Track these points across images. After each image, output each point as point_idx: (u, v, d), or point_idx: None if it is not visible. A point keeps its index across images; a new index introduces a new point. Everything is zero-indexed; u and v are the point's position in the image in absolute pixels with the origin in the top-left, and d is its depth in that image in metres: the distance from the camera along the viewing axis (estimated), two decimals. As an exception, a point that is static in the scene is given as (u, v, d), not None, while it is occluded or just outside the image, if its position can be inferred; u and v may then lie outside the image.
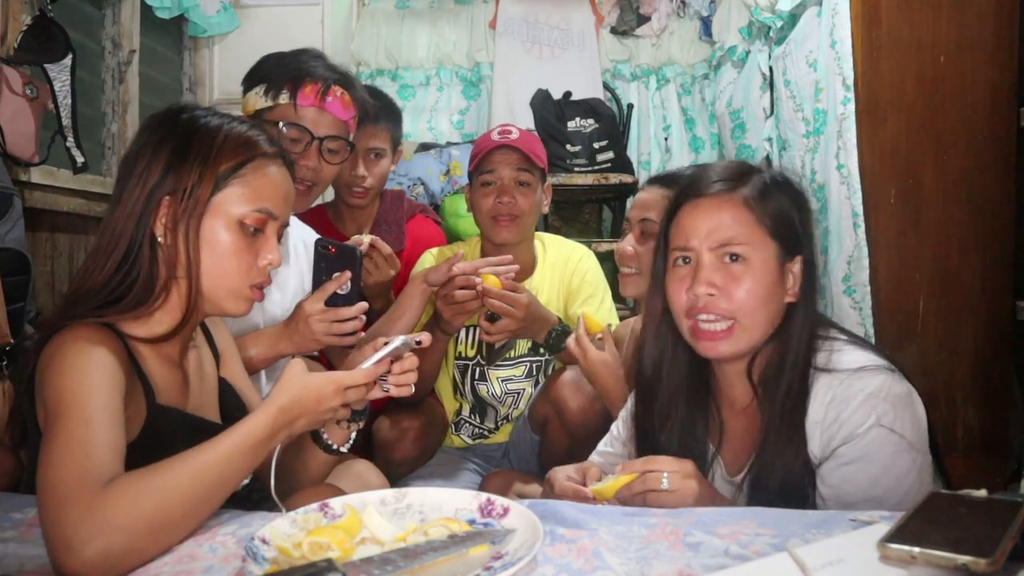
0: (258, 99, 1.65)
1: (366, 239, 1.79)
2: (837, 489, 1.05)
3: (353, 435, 1.16)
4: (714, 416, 1.22)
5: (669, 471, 1.05)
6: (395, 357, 1.10)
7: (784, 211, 1.13)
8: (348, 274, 1.40)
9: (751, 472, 1.13)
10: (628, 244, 1.58)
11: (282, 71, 1.64)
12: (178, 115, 1.08)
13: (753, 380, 1.15)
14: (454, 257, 1.70)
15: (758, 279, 1.10)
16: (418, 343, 1.11)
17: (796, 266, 1.13)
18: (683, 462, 1.07)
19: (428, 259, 2.02)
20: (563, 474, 1.17)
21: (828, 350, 1.11)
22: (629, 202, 3.38)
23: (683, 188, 1.19)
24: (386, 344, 1.09)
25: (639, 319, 1.71)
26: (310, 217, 2.21)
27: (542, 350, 1.94)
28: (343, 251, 1.42)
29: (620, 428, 1.36)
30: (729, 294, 1.10)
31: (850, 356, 1.09)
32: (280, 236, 1.12)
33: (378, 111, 2.12)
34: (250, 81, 1.70)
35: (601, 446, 1.38)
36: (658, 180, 1.61)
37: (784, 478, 1.08)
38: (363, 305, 1.43)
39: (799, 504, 1.07)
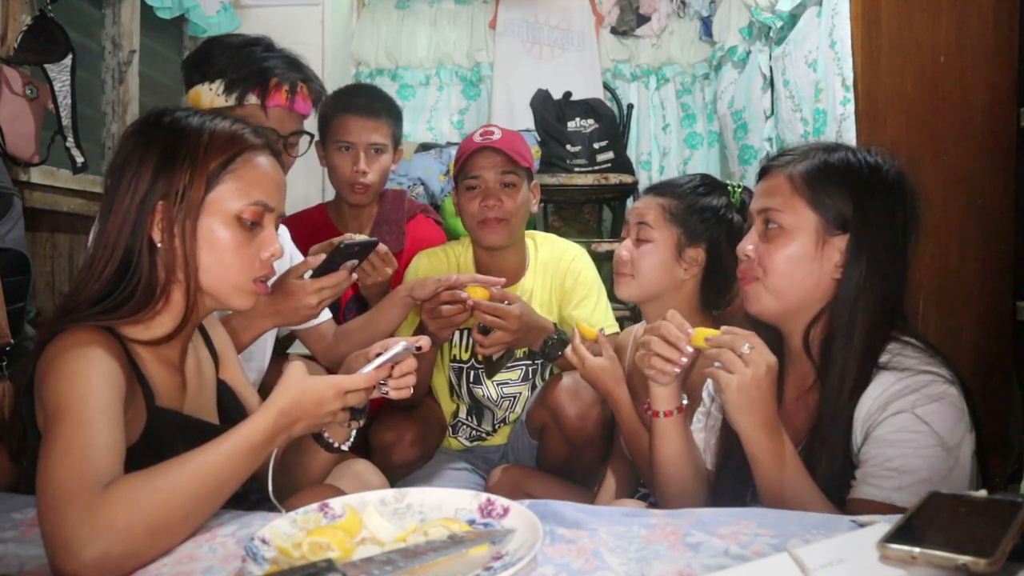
0: (215, 96, 1.61)
1: (358, 239, 1.79)
2: (865, 468, 1.07)
3: (354, 433, 1.16)
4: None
5: (755, 343, 1.08)
6: (395, 362, 1.11)
7: (835, 189, 1.17)
8: (355, 263, 1.51)
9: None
10: (624, 249, 1.59)
11: (244, 70, 1.60)
12: (159, 119, 1.08)
13: (812, 354, 1.19)
14: (446, 279, 1.67)
15: (790, 245, 1.17)
16: (419, 348, 1.12)
17: (840, 242, 1.16)
18: (765, 353, 1.08)
19: (422, 261, 2.01)
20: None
21: (896, 352, 1.12)
22: (629, 202, 3.38)
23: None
24: (387, 350, 1.10)
25: (641, 325, 1.71)
26: (310, 216, 2.21)
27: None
28: (364, 245, 1.54)
29: (707, 400, 1.39)
30: (760, 256, 1.19)
31: (915, 361, 1.10)
32: (277, 227, 1.12)
33: (379, 108, 2.13)
34: (200, 73, 1.64)
35: (696, 422, 1.39)
36: (654, 189, 1.63)
37: (827, 470, 1.10)
38: (352, 263, 1.50)
39: (839, 499, 1.09)
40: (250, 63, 1.62)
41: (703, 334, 1.13)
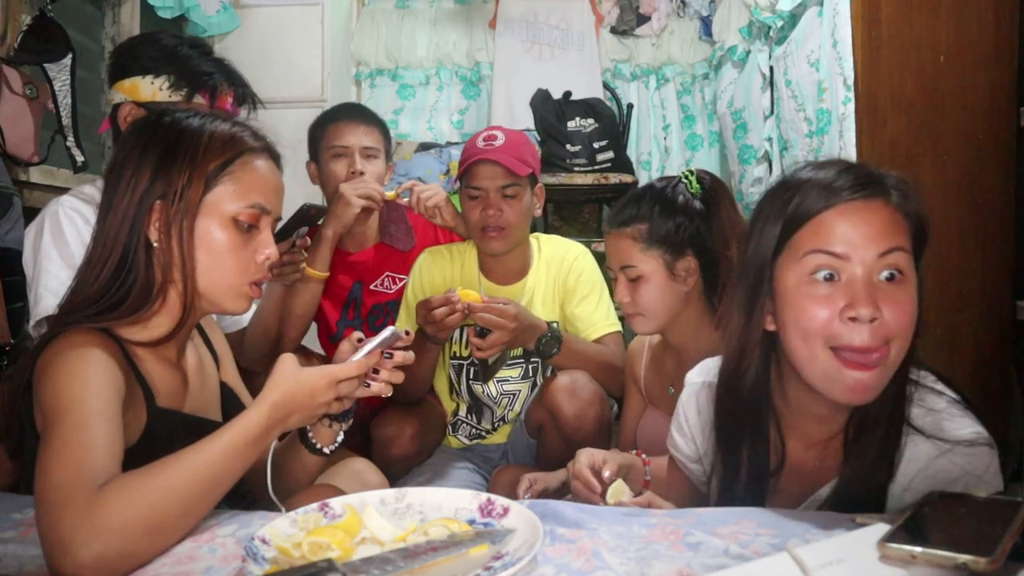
0: (157, 91, 1.58)
1: (393, 192, 1.97)
2: None
3: (340, 437, 1.16)
4: (776, 444, 1.08)
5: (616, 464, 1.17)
6: (384, 349, 1.10)
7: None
8: (304, 230, 1.76)
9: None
10: (622, 295, 1.55)
11: (191, 71, 1.60)
12: (160, 119, 1.08)
13: (849, 426, 1.01)
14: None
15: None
16: (407, 333, 1.12)
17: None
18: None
19: (425, 259, 2.01)
20: (587, 460, 1.20)
21: (926, 406, 0.97)
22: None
23: (818, 192, 0.96)
24: (375, 336, 1.10)
25: (656, 336, 1.68)
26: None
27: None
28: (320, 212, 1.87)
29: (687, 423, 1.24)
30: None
31: (958, 423, 0.96)
32: (274, 230, 1.12)
33: (369, 116, 2.17)
34: (140, 66, 1.60)
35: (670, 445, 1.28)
36: (617, 222, 1.55)
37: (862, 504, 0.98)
38: (301, 231, 1.75)
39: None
40: (194, 64, 1.62)
41: (616, 493, 1.15)
